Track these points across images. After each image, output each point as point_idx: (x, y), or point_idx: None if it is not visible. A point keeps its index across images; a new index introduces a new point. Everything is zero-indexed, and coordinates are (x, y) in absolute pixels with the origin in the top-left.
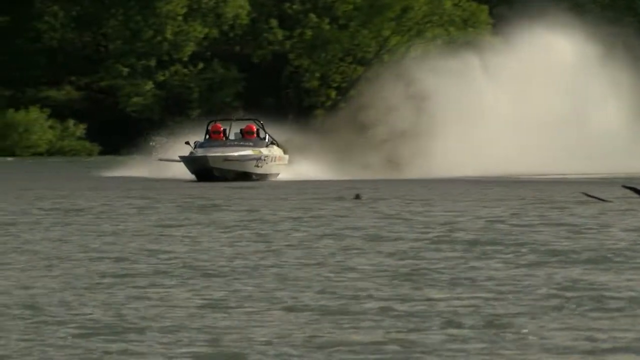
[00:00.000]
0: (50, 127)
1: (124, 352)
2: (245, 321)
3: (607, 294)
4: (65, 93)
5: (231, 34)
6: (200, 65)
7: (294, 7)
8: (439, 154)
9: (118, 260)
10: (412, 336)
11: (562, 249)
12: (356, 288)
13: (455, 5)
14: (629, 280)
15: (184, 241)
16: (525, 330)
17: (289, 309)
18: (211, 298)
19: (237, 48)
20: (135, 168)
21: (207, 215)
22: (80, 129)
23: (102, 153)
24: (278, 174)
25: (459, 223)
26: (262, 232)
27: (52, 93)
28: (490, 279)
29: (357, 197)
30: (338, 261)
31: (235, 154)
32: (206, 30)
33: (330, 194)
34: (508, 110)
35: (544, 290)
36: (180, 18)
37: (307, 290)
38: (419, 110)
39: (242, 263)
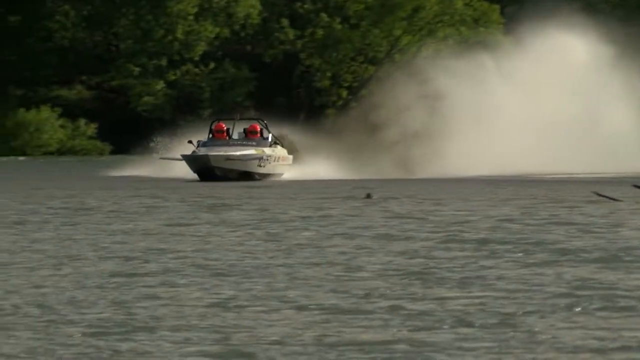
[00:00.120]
0: (61, 126)
1: (134, 351)
2: (255, 320)
3: (617, 293)
4: (76, 92)
5: (242, 34)
6: (212, 65)
7: (305, 6)
8: (453, 154)
9: (128, 259)
10: (422, 335)
11: (573, 248)
12: (366, 287)
13: (466, 4)
14: (639, 279)
15: (193, 240)
16: (536, 329)
17: (299, 308)
18: (221, 297)
19: (249, 47)
20: (138, 168)
21: (217, 215)
22: (91, 129)
23: (113, 152)
24: (282, 174)
25: (470, 222)
26: (272, 231)
27: (63, 92)
28: (500, 278)
29: (368, 196)
30: (348, 260)
31: (237, 153)
32: (217, 29)
33: (341, 193)
34: (521, 110)
35: (554, 289)
36: (191, 17)
37: (318, 290)
38: (433, 110)
39: (252, 262)
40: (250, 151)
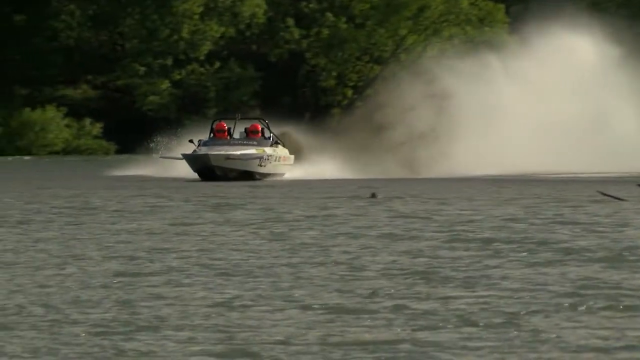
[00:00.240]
0: (67, 126)
1: (138, 350)
2: (260, 320)
3: (621, 292)
4: (81, 92)
5: (248, 33)
6: (217, 64)
7: (311, 5)
8: (459, 154)
9: (132, 258)
10: (427, 334)
11: (577, 248)
12: (371, 287)
13: (471, 4)
14: None
15: (198, 240)
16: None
17: (304, 308)
18: (225, 297)
19: (254, 47)
20: (140, 167)
21: (221, 214)
22: (97, 128)
23: (118, 152)
24: (283, 174)
25: (474, 222)
26: (277, 230)
27: (69, 92)
28: (504, 277)
29: (373, 195)
30: (353, 260)
31: (238, 152)
32: (223, 29)
33: (346, 192)
34: (526, 110)
35: (558, 289)
36: (196, 17)
37: (322, 289)
38: (439, 110)
39: (257, 262)
40: (251, 151)
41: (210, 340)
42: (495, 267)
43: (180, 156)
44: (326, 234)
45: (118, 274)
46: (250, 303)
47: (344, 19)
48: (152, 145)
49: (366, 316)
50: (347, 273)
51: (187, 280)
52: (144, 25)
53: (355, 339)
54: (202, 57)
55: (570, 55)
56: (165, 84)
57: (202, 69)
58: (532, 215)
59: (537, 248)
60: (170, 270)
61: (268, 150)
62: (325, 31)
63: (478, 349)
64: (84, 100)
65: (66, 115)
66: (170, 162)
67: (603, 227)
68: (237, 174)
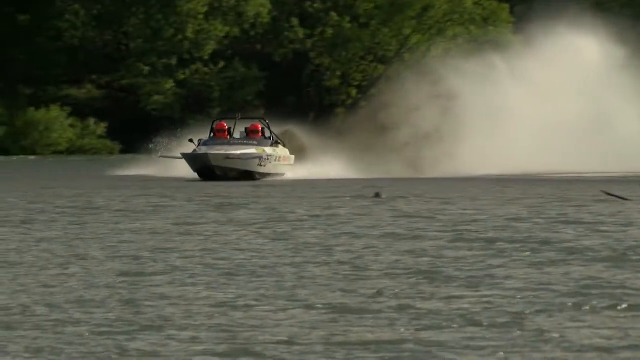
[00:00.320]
0: (71, 125)
1: (142, 350)
2: (263, 319)
3: (625, 292)
4: (86, 92)
5: (252, 33)
6: (221, 64)
7: (315, 5)
8: (464, 155)
9: (136, 258)
10: (430, 334)
11: (581, 247)
12: (374, 286)
13: (475, 3)
14: None
15: (201, 240)
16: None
17: (307, 307)
18: (229, 296)
19: (258, 47)
20: (141, 167)
21: (225, 214)
22: (101, 128)
23: (122, 152)
24: (284, 174)
25: (478, 221)
26: (280, 230)
27: (73, 92)
28: (508, 277)
29: (377, 195)
30: (356, 259)
31: (237, 152)
32: (227, 29)
33: (350, 192)
34: (531, 110)
35: (562, 288)
36: (201, 17)
37: (325, 289)
38: (444, 110)
39: (260, 261)
40: (251, 150)
41: (213, 339)
42: (498, 266)
43: (180, 156)
44: (330, 233)
45: (121, 274)
46: (253, 303)
47: (348, 19)
48: (150, 146)
49: (370, 316)
50: (351, 273)
51: (190, 280)
52: (149, 25)
53: (358, 339)
54: (206, 57)
55: (575, 56)
56: (170, 84)
57: (206, 69)
58: (536, 215)
59: (540, 248)
60: (173, 270)
61: (268, 150)
62: (330, 31)
63: (482, 348)
64: (88, 100)
65: (70, 115)
66: (171, 161)
67: (607, 226)
68: (237, 174)
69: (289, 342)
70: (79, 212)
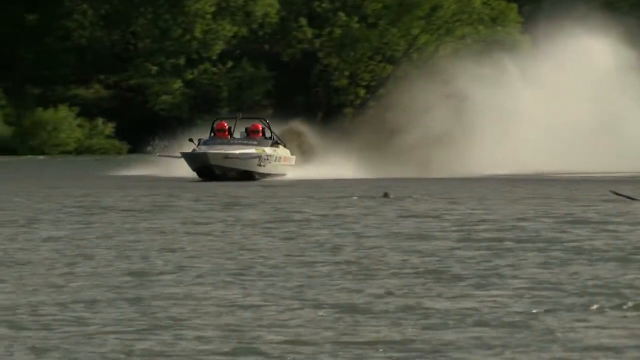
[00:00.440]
0: (79, 125)
1: (149, 350)
2: (271, 319)
3: (633, 291)
4: (94, 91)
5: (260, 33)
6: (229, 64)
7: (323, 5)
8: (474, 156)
9: (143, 258)
10: (438, 334)
11: (589, 247)
12: (382, 286)
13: (484, 3)
14: None
15: (208, 239)
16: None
17: (315, 307)
18: (236, 296)
19: (267, 47)
20: (143, 167)
21: (232, 214)
22: (109, 128)
23: (130, 152)
24: (284, 175)
25: (486, 221)
26: (288, 230)
27: (81, 91)
28: (515, 276)
29: (386, 195)
30: (364, 259)
31: (237, 152)
32: (235, 28)
33: (358, 192)
34: (543, 113)
35: (570, 288)
36: (209, 16)
37: (333, 288)
38: (455, 112)
39: (268, 261)
40: (250, 150)
41: (221, 339)
42: (506, 266)
43: (179, 155)
44: (337, 233)
45: (129, 274)
46: (261, 302)
47: (356, 19)
48: (149, 148)
49: (377, 315)
50: (359, 272)
51: (198, 280)
52: (157, 24)
53: (366, 338)
54: (214, 57)
55: (585, 57)
56: (178, 84)
57: (214, 69)
58: (544, 215)
59: (548, 247)
60: (180, 270)
61: (268, 150)
62: (338, 31)
63: (489, 348)
64: (96, 99)
65: (78, 115)
66: (171, 161)
67: (615, 226)
68: (236, 174)
69: (297, 342)
70: (86, 212)
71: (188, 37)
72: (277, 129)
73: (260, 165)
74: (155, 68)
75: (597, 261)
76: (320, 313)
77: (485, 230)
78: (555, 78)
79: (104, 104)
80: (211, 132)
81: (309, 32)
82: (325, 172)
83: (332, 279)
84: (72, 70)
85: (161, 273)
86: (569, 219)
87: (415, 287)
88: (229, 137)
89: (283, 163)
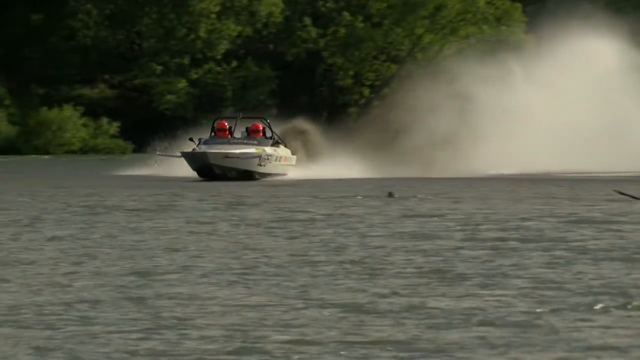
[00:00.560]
0: (84, 125)
1: (153, 349)
2: (275, 319)
3: (638, 291)
4: (98, 91)
5: (265, 32)
6: (234, 64)
7: (328, 5)
8: (478, 156)
9: (146, 257)
10: (442, 333)
11: (593, 247)
12: (387, 286)
13: (488, 3)
14: None
15: (212, 239)
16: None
17: (319, 307)
18: (240, 295)
19: (271, 46)
20: (142, 167)
21: (236, 213)
22: (114, 127)
23: (135, 151)
24: (284, 174)
25: (490, 221)
26: (292, 229)
27: (86, 91)
28: (519, 276)
29: (390, 194)
30: (369, 258)
31: (237, 151)
32: (240, 28)
33: (363, 191)
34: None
35: (574, 287)
36: (213, 16)
37: (337, 288)
38: (461, 111)
39: (272, 261)
40: (250, 150)
41: (225, 338)
42: (510, 265)
43: (179, 154)
44: (342, 233)
45: (132, 273)
46: (265, 302)
47: (360, 18)
48: (148, 149)
49: (382, 315)
50: (363, 272)
51: (202, 279)
52: (161, 24)
53: (371, 338)
54: (219, 56)
55: (590, 57)
56: (182, 83)
57: (219, 68)
58: (548, 214)
59: (552, 247)
60: (185, 269)
61: (268, 149)
62: (342, 30)
63: (493, 347)
64: (101, 99)
65: (83, 114)
66: (171, 160)
67: (619, 226)
68: (236, 173)
69: (301, 341)
70: (90, 212)
71: (192, 36)
72: (281, 129)
73: (260, 165)
74: (159, 68)
75: (601, 261)
76: (325, 312)
77: (490, 230)
78: (559, 78)
79: (109, 104)
80: (212, 131)
81: (314, 32)
82: (329, 172)
83: (336, 278)
84: (76, 70)
85: (165, 273)
86: (573, 218)
87: (419, 286)
88: (229, 136)
89: (283, 163)
